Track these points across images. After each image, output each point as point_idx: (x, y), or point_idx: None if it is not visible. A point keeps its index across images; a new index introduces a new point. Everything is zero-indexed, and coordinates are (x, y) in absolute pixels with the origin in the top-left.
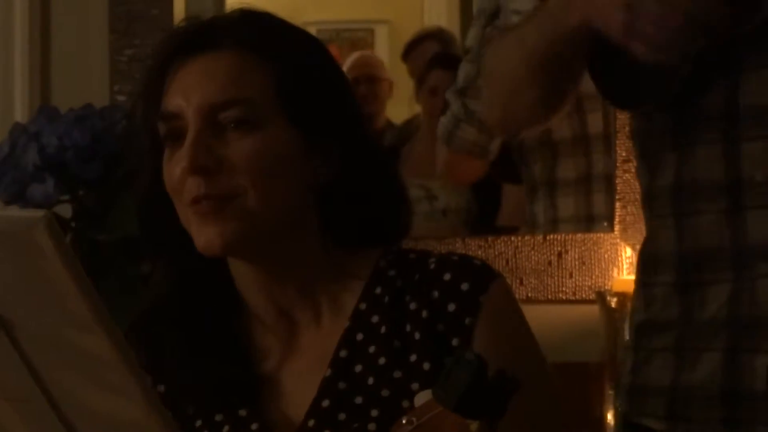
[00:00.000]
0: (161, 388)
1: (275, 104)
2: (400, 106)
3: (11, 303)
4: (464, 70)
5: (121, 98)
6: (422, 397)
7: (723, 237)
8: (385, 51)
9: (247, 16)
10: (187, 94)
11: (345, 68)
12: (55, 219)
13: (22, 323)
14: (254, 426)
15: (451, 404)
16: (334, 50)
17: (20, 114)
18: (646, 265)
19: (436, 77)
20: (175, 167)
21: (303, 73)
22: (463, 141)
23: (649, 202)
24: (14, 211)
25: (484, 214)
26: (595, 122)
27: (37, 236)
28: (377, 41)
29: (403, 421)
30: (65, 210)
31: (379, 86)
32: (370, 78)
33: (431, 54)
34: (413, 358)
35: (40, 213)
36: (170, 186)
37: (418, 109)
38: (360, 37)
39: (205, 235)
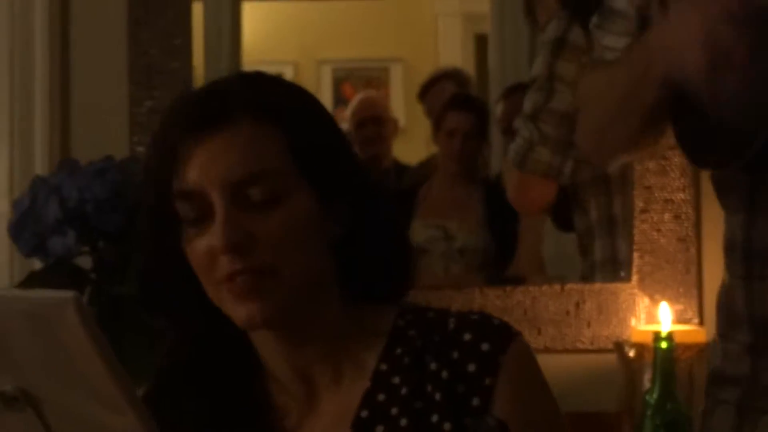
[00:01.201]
0: None
1: (293, 170)
2: (416, 145)
3: (39, 380)
4: (532, 98)
5: (140, 149)
6: None
7: None
8: (400, 89)
9: (253, 83)
10: (208, 172)
11: (350, 110)
12: (82, 300)
13: (50, 400)
14: None
15: None
16: (348, 88)
17: (40, 166)
18: (724, 317)
19: (453, 119)
20: (200, 244)
21: (313, 133)
22: (538, 163)
23: (730, 257)
24: (43, 292)
25: (500, 255)
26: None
27: (66, 317)
28: (392, 79)
29: None
30: (85, 261)
31: (385, 127)
32: (376, 119)
33: (448, 95)
34: (434, 418)
35: (69, 294)
36: (197, 263)
37: (434, 148)
38: (374, 76)
39: (246, 311)
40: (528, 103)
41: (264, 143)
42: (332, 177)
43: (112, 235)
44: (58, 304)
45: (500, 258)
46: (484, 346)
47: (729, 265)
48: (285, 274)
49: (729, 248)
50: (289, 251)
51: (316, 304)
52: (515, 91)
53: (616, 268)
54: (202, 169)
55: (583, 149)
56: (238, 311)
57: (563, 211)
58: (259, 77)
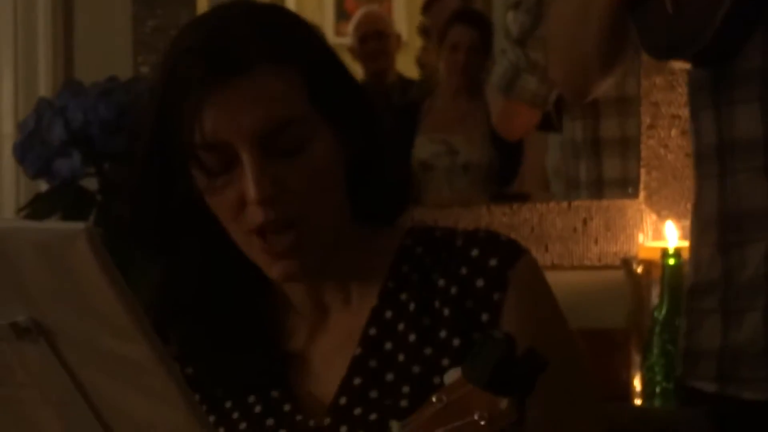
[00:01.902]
0: (189, 370)
1: (312, 110)
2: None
3: (52, 312)
4: (519, 21)
5: (144, 69)
6: (451, 376)
7: (760, 195)
8: (401, 2)
9: (267, 26)
10: (234, 124)
11: (352, 25)
12: (96, 231)
13: (62, 331)
14: (286, 407)
15: (482, 383)
16: (350, 3)
17: (44, 87)
18: (694, 228)
19: (457, 33)
20: (227, 193)
21: (323, 67)
22: (524, 90)
23: (697, 162)
24: (54, 223)
25: (505, 171)
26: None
27: (78, 249)
28: None
29: (433, 399)
30: (91, 183)
31: (387, 41)
32: (378, 33)
33: (451, 9)
34: (443, 334)
35: (80, 226)
36: (223, 211)
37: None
38: None
39: (283, 268)
40: (515, 26)
41: (286, 90)
42: (346, 110)
43: (117, 156)
44: (69, 236)
45: (504, 174)
46: (492, 262)
47: (701, 171)
48: (317, 221)
49: (700, 153)
50: (319, 196)
51: (337, 238)
52: None
53: (600, 189)
54: (228, 120)
55: (557, 81)
56: (275, 268)
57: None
58: (269, 17)
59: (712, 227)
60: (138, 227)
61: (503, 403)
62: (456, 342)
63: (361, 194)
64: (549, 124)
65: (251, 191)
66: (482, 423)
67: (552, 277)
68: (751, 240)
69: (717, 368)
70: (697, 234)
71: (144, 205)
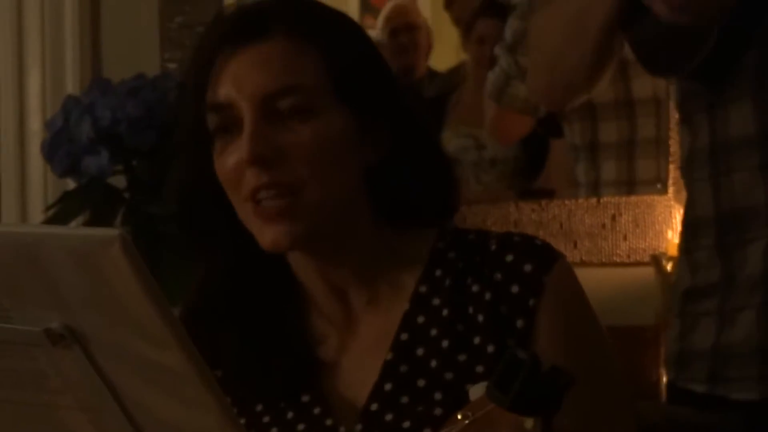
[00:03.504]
0: (218, 373)
1: (328, 89)
2: (446, 53)
3: (86, 318)
4: (512, 27)
5: (171, 66)
6: (477, 391)
7: (758, 193)
8: None
9: (292, 1)
10: (240, 84)
11: (382, 18)
12: (128, 238)
13: (97, 337)
14: (317, 410)
15: (506, 404)
16: None
17: (72, 85)
18: (687, 231)
19: (483, 26)
20: (229, 159)
21: (351, 55)
22: (514, 98)
23: (690, 165)
24: (88, 229)
25: (531, 166)
26: (642, 87)
27: (112, 255)
28: None
29: (459, 416)
30: (119, 180)
31: (418, 34)
32: (408, 26)
33: (477, 1)
34: (477, 340)
35: (114, 232)
36: (225, 178)
37: (464, 56)
38: None
39: (271, 235)
40: (508, 32)
41: (299, 59)
42: (370, 100)
43: (145, 153)
44: (103, 242)
45: (531, 169)
46: (527, 267)
47: (692, 175)
48: (311, 193)
49: (690, 158)
50: (317, 169)
51: (347, 227)
52: None
53: (597, 193)
54: (235, 81)
55: (535, 91)
56: (265, 234)
57: (551, 120)
58: (301, 1)
59: (709, 229)
60: (182, 214)
61: (529, 422)
62: (490, 348)
63: (393, 195)
64: (554, 130)
65: (244, 151)
66: None
67: (581, 274)
68: (752, 239)
69: (708, 370)
70: (691, 237)
71: (184, 190)
